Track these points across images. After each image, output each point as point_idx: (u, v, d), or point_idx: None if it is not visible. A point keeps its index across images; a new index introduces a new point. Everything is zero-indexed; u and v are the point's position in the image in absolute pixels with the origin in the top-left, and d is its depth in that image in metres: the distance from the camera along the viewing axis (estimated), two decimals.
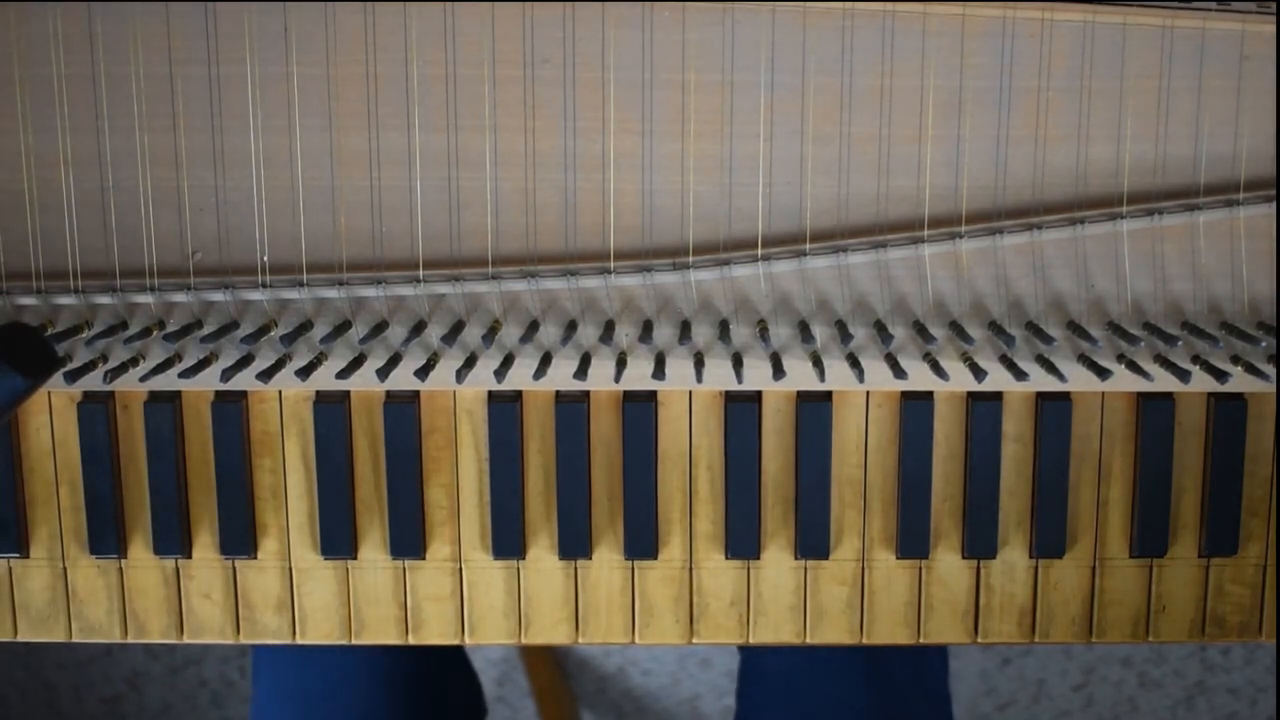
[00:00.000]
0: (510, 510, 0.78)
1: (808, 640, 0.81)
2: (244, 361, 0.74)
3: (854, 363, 0.74)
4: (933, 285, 0.75)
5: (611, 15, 0.72)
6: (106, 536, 0.79)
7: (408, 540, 0.79)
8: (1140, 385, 0.75)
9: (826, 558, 0.79)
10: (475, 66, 0.73)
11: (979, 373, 0.74)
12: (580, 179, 0.74)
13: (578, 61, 0.73)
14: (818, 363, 0.74)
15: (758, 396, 0.78)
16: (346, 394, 0.78)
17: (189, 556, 0.80)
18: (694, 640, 0.81)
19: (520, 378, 0.75)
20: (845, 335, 0.73)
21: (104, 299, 0.74)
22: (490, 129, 0.74)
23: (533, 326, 0.74)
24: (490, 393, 0.78)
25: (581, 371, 0.74)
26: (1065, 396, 0.77)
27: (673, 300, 0.75)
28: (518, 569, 0.80)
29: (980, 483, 0.78)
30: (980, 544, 0.79)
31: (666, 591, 0.80)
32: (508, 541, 0.79)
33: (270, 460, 0.79)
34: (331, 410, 0.77)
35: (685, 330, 0.74)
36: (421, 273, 0.75)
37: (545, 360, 0.74)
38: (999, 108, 0.73)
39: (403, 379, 0.75)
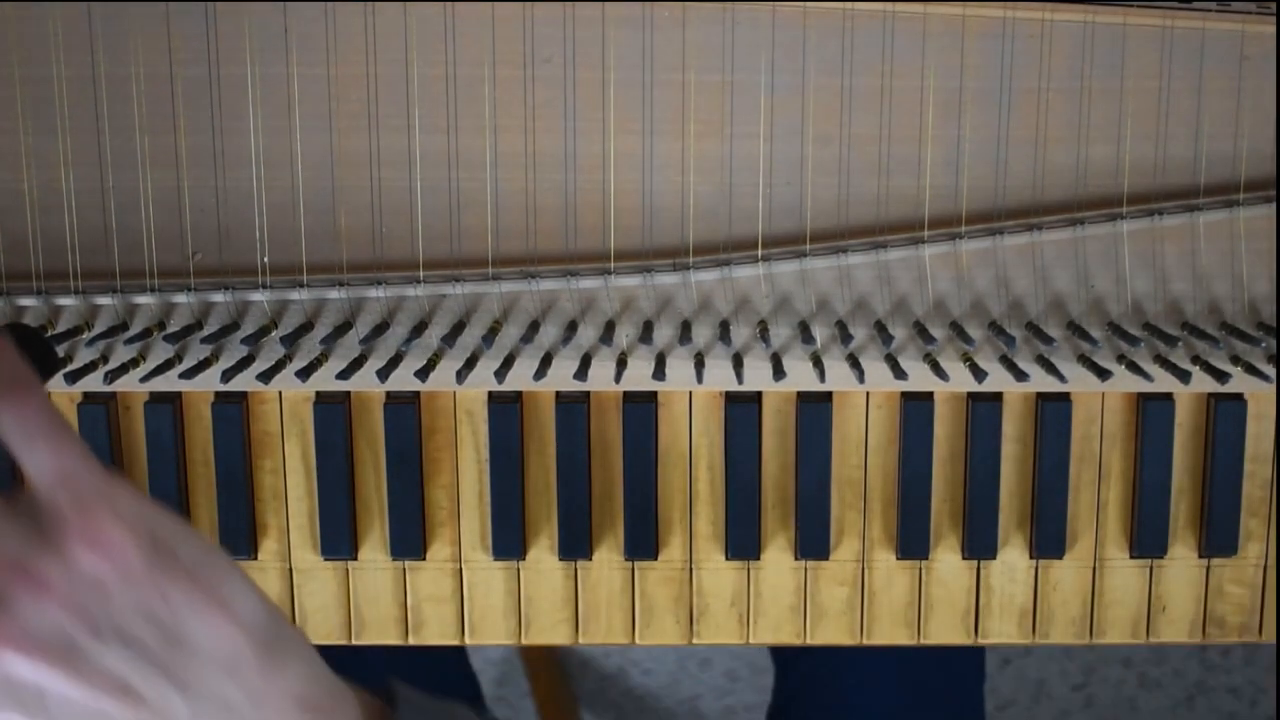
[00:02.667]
0: (510, 511, 0.78)
1: (807, 641, 0.81)
2: (244, 362, 0.74)
3: (854, 363, 0.74)
4: (933, 286, 0.75)
5: (611, 15, 0.72)
6: None
7: (408, 541, 0.79)
8: (1140, 385, 0.75)
9: (826, 558, 0.79)
10: (475, 66, 0.73)
11: (979, 373, 0.74)
12: (580, 179, 0.74)
13: (578, 61, 0.73)
14: (818, 363, 0.74)
15: (758, 397, 0.78)
16: (347, 395, 0.78)
17: None
18: (694, 641, 0.81)
19: (520, 378, 0.75)
20: (845, 336, 0.73)
21: (104, 300, 0.74)
22: (490, 129, 0.73)
23: (533, 327, 0.74)
24: (490, 393, 0.78)
25: (582, 372, 0.74)
26: (1065, 397, 0.77)
27: (673, 301, 0.75)
28: (518, 569, 0.80)
29: (980, 483, 0.78)
30: (980, 544, 0.79)
31: (666, 592, 0.80)
32: (508, 542, 0.79)
33: (270, 461, 0.79)
34: (332, 411, 0.77)
35: (685, 331, 0.74)
36: (422, 273, 0.75)
37: (545, 361, 0.74)
38: (999, 108, 0.73)
39: (403, 379, 0.75)
